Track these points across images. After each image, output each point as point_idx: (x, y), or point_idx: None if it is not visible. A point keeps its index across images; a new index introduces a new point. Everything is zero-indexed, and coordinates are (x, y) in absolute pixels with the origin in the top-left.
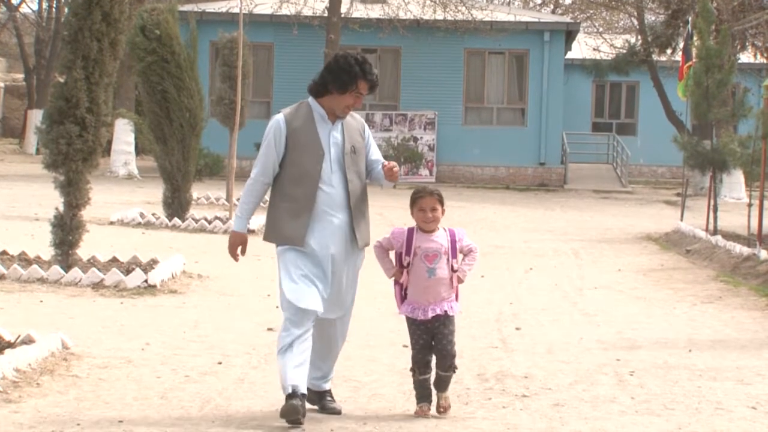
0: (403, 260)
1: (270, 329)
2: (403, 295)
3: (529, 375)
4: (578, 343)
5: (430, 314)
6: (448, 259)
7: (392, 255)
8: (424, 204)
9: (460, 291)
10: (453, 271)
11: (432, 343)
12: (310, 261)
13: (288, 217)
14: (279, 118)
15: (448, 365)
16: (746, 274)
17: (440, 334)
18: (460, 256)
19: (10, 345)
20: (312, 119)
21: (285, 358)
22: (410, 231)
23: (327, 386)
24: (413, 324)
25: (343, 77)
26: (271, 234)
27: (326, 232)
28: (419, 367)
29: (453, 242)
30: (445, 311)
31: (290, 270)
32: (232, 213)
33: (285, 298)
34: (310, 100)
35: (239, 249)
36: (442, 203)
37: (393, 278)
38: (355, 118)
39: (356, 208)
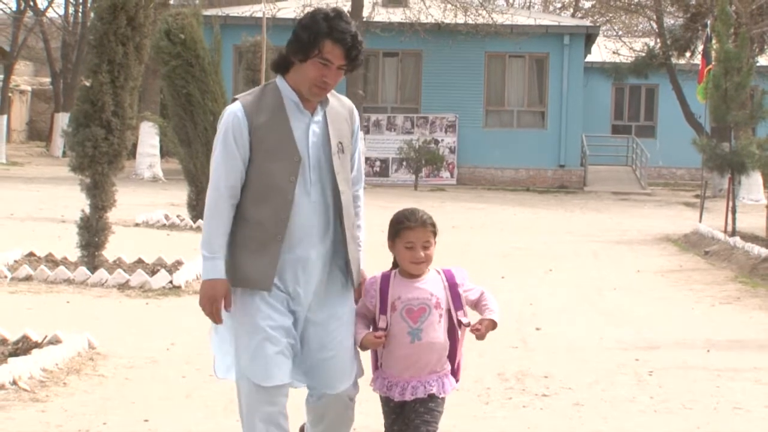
0: (378, 320)
1: None
2: (378, 363)
3: (549, 374)
4: (598, 343)
5: (409, 396)
6: (441, 315)
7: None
8: (414, 237)
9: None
10: (458, 326)
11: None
12: (278, 312)
13: (249, 250)
14: (235, 110)
15: None
16: (765, 275)
17: (414, 411)
18: (468, 310)
19: (38, 345)
20: (282, 109)
21: None
22: (385, 277)
23: None
24: (387, 405)
25: (302, 37)
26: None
27: (306, 270)
28: None
29: (453, 288)
30: (431, 395)
31: (249, 329)
32: None
33: (241, 371)
34: (279, 80)
35: (221, 303)
36: (436, 236)
37: (366, 347)
38: (342, 101)
39: (348, 231)
